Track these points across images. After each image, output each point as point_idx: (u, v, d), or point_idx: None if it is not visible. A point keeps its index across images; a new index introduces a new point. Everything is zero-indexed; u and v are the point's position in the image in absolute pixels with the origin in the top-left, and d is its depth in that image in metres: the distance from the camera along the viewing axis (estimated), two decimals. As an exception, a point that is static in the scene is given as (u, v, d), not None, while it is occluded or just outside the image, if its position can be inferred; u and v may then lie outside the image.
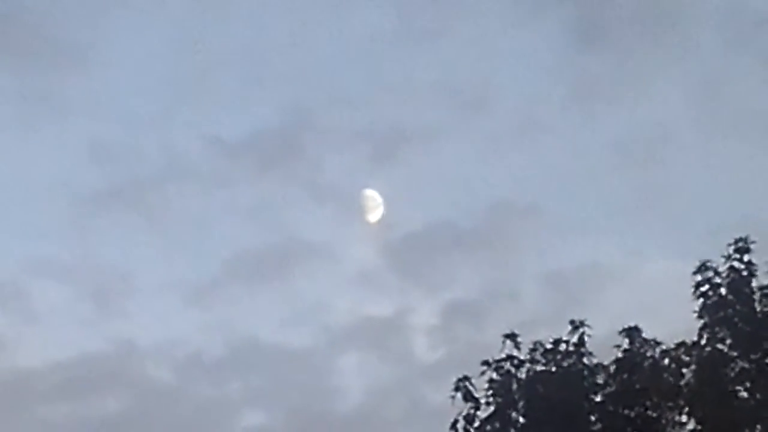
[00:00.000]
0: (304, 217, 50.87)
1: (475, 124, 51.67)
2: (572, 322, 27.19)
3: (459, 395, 27.11)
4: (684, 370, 26.48)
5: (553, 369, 27.04)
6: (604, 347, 27.26)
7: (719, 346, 26.17)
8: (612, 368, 26.90)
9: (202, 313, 49.14)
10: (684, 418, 26.33)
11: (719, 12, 49.86)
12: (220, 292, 49.15)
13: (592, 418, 26.68)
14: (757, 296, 26.16)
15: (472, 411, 27.10)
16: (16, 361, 46.60)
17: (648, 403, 26.54)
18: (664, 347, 26.76)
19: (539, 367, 27.14)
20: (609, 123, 50.10)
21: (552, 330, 27.56)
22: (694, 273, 26.51)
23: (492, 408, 27.06)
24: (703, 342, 26.28)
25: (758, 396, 25.64)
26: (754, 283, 26.25)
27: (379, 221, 46.76)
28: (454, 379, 27.11)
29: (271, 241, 50.38)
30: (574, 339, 27.14)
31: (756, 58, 48.02)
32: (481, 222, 48.92)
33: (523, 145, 51.13)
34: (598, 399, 26.83)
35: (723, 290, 26.30)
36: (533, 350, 27.21)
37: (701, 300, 26.36)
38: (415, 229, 49.36)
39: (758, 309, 26.10)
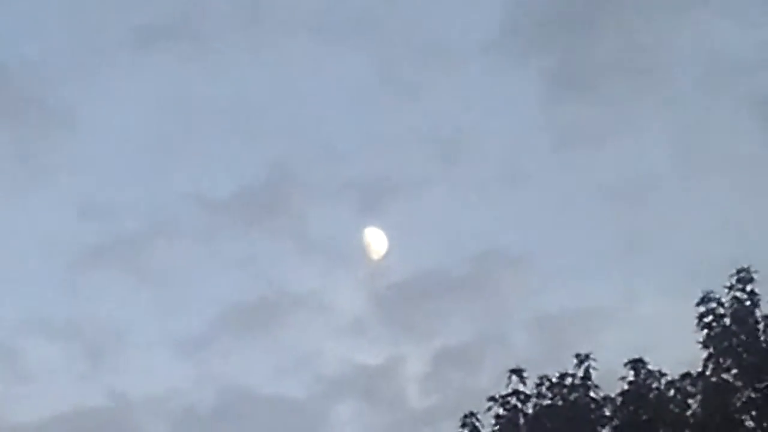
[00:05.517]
0: (293, 269, 50.78)
1: (460, 174, 51.76)
2: (578, 355, 27.35)
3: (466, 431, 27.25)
4: (690, 401, 26.67)
5: (560, 403, 27.15)
6: (605, 386, 27.52)
7: (724, 376, 26.43)
8: (618, 400, 27.01)
9: (195, 366, 48.77)
10: (691, 449, 26.49)
11: (699, 59, 50.55)
12: (212, 344, 48.85)
13: (600, 450, 26.82)
14: (761, 326, 26.42)
15: (479, 447, 27.20)
16: (10, 419, 46.08)
17: (655, 435, 26.69)
18: (669, 378, 26.91)
19: (546, 402, 27.27)
20: (593, 169, 50.24)
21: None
22: (698, 304, 26.84)
23: (499, 443, 27.16)
24: (708, 372, 26.52)
25: (765, 425, 25.85)
26: (758, 313, 26.52)
27: (379, 261, 46.88)
28: (461, 416, 27.29)
29: (260, 293, 50.22)
30: (580, 373, 27.32)
31: (736, 103, 48.76)
32: (469, 270, 48.82)
33: (510, 194, 51.31)
34: (605, 432, 26.98)
35: (727, 320, 26.59)
36: (539, 385, 27.35)
37: (705, 331, 26.65)
38: (404, 278, 49.33)
39: (762, 338, 26.37)
